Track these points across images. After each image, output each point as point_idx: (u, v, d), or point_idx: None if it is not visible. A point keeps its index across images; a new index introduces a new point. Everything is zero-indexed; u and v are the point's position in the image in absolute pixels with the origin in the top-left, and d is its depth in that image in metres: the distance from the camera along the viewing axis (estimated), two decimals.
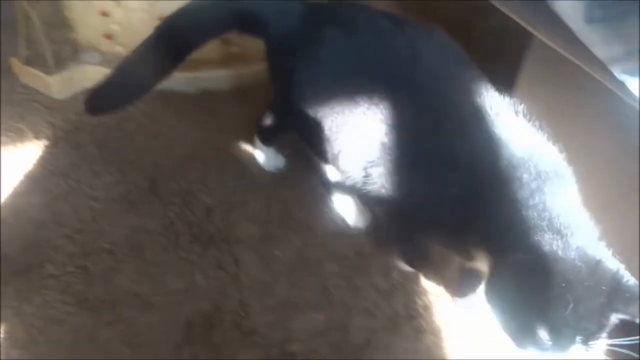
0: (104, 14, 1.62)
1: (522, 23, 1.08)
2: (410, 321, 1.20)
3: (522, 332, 0.79)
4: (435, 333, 1.18)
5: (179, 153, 1.53)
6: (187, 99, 1.69)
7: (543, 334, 0.74)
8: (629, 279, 0.75)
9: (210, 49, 1.68)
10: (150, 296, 1.20)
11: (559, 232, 0.77)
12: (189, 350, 1.13)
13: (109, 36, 1.67)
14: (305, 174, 1.48)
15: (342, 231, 1.36)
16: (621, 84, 0.89)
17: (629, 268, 0.77)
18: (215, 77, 1.73)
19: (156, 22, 1.20)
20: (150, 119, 1.60)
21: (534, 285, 0.74)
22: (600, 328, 0.74)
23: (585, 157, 0.90)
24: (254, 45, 1.71)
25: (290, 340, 1.15)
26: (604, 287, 0.73)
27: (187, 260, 1.28)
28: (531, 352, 0.79)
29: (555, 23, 0.95)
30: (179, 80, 1.70)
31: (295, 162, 1.51)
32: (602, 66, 0.90)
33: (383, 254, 1.30)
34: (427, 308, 1.22)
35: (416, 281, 1.27)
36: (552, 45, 1.00)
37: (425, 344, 1.16)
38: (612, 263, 0.76)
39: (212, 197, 1.41)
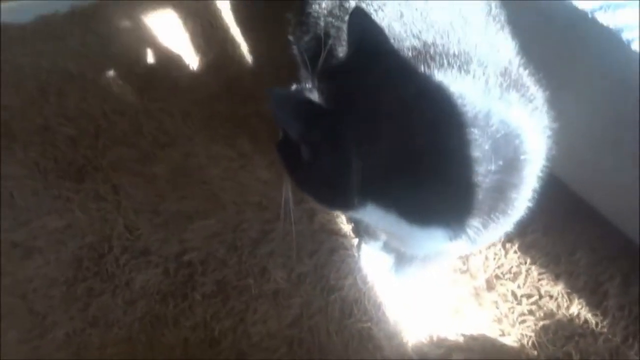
0: None
1: None
2: (302, 205, 1.21)
3: None
4: (327, 212, 1.20)
5: (29, 89, 1.40)
6: (23, 29, 1.52)
7: None
8: None
9: None
10: (30, 242, 1.14)
11: None
12: (83, 286, 1.09)
13: None
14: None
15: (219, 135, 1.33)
16: None
17: None
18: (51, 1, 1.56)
19: None
20: None
21: None
22: None
23: None
24: None
25: (186, 250, 1.14)
26: None
27: (62, 197, 1.21)
28: None
29: None
30: (10, 11, 1.53)
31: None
32: None
33: (264, 147, 1.29)
34: None
35: None
36: None
37: (319, 223, 1.19)
38: None
39: (73, 127, 1.32)
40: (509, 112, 0.69)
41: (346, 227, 1.19)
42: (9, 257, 1.12)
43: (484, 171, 0.64)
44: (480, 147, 0.63)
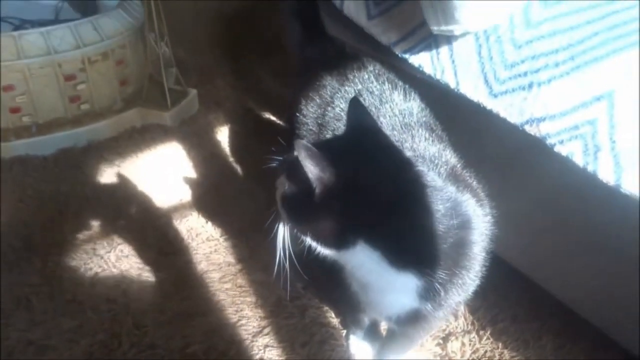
0: None
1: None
2: (294, 302, 1.34)
3: None
4: (317, 307, 1.33)
5: (50, 209, 1.57)
6: (46, 160, 1.73)
7: None
8: None
9: (62, 109, 1.77)
10: (44, 340, 1.24)
11: None
12: None
13: None
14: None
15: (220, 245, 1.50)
16: (404, 60, 1.13)
17: None
18: (71, 135, 1.80)
19: None
20: (13, 185, 1.63)
21: None
22: None
23: None
24: (103, 100, 1.83)
25: (189, 344, 1.25)
26: None
27: (75, 301, 1.33)
28: None
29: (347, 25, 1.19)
30: (34, 144, 1.76)
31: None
32: (388, 50, 1.15)
33: (259, 253, 1.44)
34: (306, 288, 1.37)
35: (293, 269, 1.42)
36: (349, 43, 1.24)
37: (310, 317, 1.31)
38: None
39: (89, 240, 1.48)
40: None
41: (335, 320, 1.31)
42: (23, 354, 1.21)
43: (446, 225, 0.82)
44: (442, 205, 0.83)
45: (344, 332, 1.29)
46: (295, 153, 0.81)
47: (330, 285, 1.07)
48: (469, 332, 1.28)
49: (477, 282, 0.92)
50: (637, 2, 0.91)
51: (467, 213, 0.87)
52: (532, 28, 0.99)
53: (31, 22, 1.90)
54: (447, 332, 1.28)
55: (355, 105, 0.94)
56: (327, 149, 0.82)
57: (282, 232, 0.94)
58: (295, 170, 0.84)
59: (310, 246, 0.90)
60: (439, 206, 0.83)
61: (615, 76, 0.89)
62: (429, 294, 0.85)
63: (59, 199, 1.61)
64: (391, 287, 0.87)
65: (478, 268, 0.89)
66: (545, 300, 1.30)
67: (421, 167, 0.88)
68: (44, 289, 1.35)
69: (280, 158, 0.99)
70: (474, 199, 0.91)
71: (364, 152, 0.86)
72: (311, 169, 0.81)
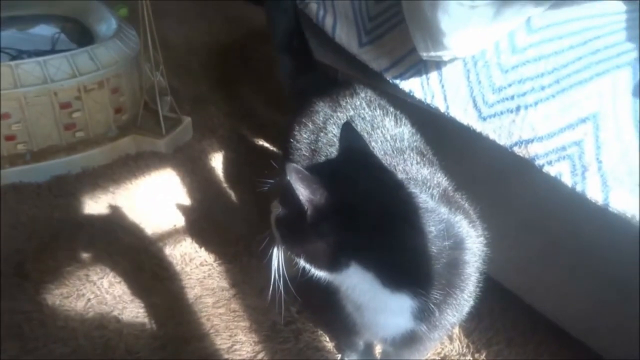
0: None
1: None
2: (289, 326, 1.34)
3: None
4: (312, 331, 1.33)
5: (44, 236, 1.57)
6: (39, 187, 1.74)
7: None
8: None
9: (56, 136, 1.78)
10: None
11: None
12: None
13: None
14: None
15: (214, 270, 1.50)
16: (395, 86, 1.16)
17: None
18: (65, 163, 1.80)
19: None
20: (6, 212, 1.63)
21: None
22: None
23: None
24: (98, 128, 1.85)
25: None
26: None
27: (68, 327, 1.32)
28: None
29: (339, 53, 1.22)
30: (29, 171, 1.76)
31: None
32: (379, 76, 1.18)
33: (253, 278, 1.44)
34: (300, 312, 1.37)
35: (288, 293, 1.42)
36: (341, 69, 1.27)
37: (305, 342, 1.31)
38: None
39: (83, 267, 1.47)
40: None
41: (329, 344, 1.31)
42: None
43: (440, 246, 0.83)
44: (435, 226, 0.84)
45: (339, 356, 1.28)
46: (287, 176, 0.82)
47: (325, 308, 1.07)
48: (464, 355, 1.28)
49: (471, 302, 0.93)
50: (618, 27, 0.95)
51: (460, 234, 0.88)
52: (517, 53, 1.02)
53: (28, 53, 1.92)
54: (442, 355, 1.28)
55: (348, 129, 0.96)
56: (318, 172, 0.84)
57: (277, 255, 0.95)
58: (287, 193, 0.86)
59: (304, 268, 0.91)
60: (432, 227, 0.84)
61: (600, 98, 0.92)
62: (424, 314, 0.86)
63: (52, 226, 1.61)
64: (386, 308, 0.88)
65: (472, 288, 0.90)
66: (540, 322, 1.31)
67: (413, 189, 0.89)
68: (36, 316, 1.34)
69: (273, 181, 1.01)
70: (466, 220, 0.92)
71: (356, 174, 0.88)
72: (302, 192, 0.82)
